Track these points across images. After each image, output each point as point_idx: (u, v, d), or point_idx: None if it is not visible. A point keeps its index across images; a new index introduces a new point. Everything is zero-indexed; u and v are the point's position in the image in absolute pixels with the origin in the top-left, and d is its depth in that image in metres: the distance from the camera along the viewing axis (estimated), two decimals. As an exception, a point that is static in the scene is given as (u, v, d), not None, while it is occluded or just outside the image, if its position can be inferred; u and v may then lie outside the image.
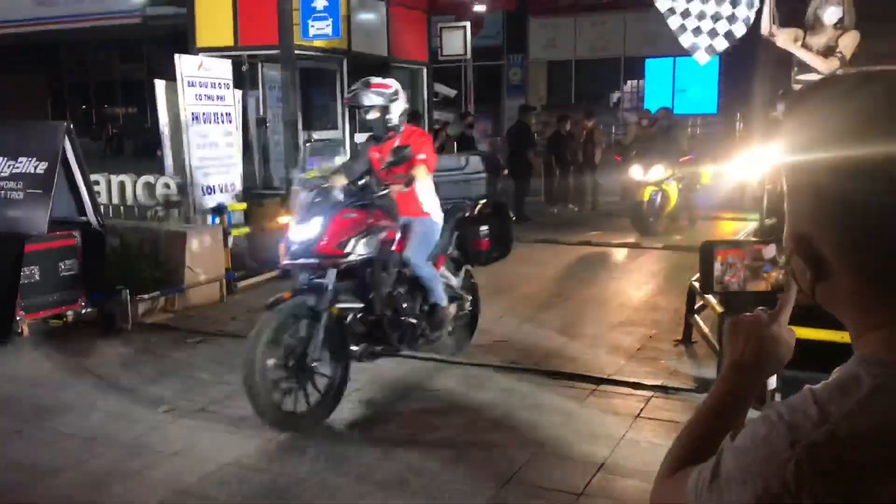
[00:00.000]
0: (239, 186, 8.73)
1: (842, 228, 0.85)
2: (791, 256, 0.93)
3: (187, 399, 5.03)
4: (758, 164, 9.72)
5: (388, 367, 5.59)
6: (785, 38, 5.31)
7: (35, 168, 6.52)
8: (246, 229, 8.63)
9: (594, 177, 13.95)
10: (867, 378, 0.84)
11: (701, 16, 5.49)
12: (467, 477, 3.93)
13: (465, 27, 11.91)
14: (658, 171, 11.55)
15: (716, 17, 5.48)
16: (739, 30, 5.52)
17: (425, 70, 11.49)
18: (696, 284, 6.05)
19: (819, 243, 0.88)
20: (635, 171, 11.75)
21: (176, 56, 8.08)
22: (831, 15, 5.21)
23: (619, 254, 10.20)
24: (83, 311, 6.80)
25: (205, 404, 4.93)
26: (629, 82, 24.46)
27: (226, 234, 7.90)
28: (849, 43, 5.18)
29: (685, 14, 5.49)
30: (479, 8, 12.19)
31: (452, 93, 16.11)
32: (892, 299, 0.86)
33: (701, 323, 5.87)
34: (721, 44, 5.54)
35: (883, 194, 0.81)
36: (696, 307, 6.07)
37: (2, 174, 6.62)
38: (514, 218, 7.23)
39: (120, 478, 3.96)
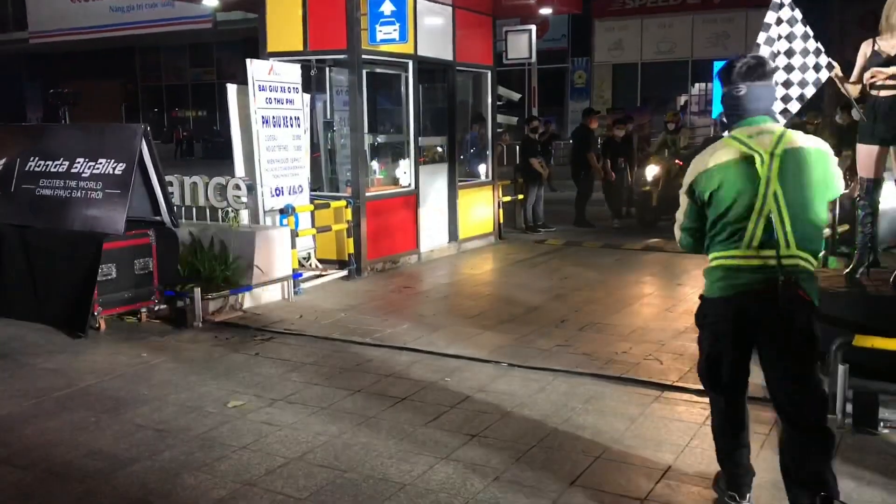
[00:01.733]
0: (307, 188, 8.90)
1: None
2: None
3: (255, 395, 5.16)
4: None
5: (450, 369, 5.65)
6: (857, 69, 5.28)
7: (113, 169, 6.77)
8: (312, 230, 8.80)
9: (630, 184, 13.59)
10: None
11: (787, 83, 5.51)
12: (530, 479, 3.95)
13: (530, 30, 11.89)
14: None
15: (787, 84, 5.51)
16: (810, 91, 5.52)
17: (490, 73, 11.50)
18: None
19: None
20: None
21: (247, 60, 8.28)
22: None
23: (682, 259, 10.06)
24: (156, 307, 7.04)
25: (272, 400, 5.05)
26: (697, 85, 24.08)
27: (293, 234, 8.07)
28: None
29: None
30: (545, 11, 12.14)
31: (516, 96, 16.09)
32: None
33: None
34: (795, 106, 5.56)
35: None
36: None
37: (83, 175, 6.90)
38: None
39: (191, 469, 4.09)
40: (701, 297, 3.53)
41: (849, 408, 4.57)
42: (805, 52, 5.47)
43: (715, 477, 3.80)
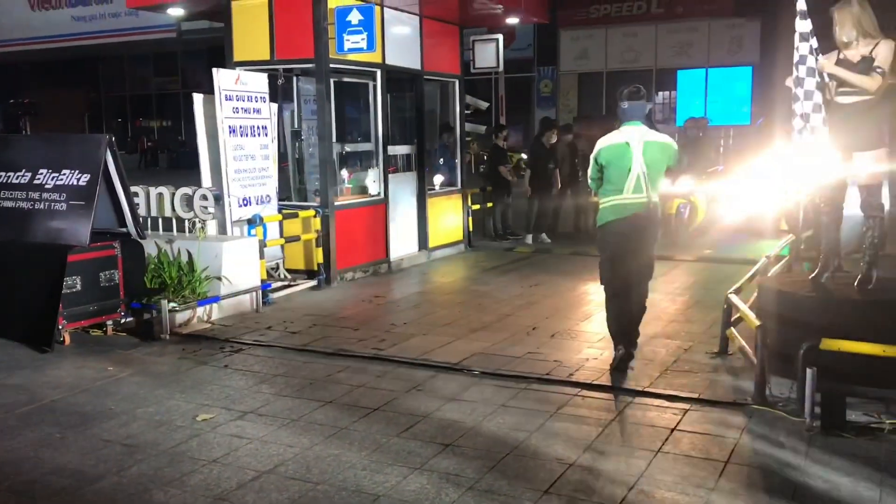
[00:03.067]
0: (275, 198, 8.83)
1: None
2: None
3: (224, 408, 5.09)
4: (791, 179, 9.61)
5: (422, 378, 5.63)
6: (829, 65, 5.33)
7: (78, 180, 6.67)
8: (281, 241, 8.73)
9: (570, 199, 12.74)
10: None
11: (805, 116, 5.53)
12: (504, 488, 3.94)
13: (497, 40, 11.93)
14: (686, 183, 11.47)
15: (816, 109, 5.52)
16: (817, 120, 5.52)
17: (457, 82, 11.53)
18: (734, 297, 6.02)
19: None
20: (663, 184, 11.68)
21: (214, 70, 8.21)
22: (843, 35, 5.23)
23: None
24: (122, 320, 6.94)
25: (242, 413, 4.99)
26: (661, 94, 24.37)
27: (261, 245, 8.00)
28: (885, 54, 5.15)
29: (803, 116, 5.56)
30: (512, 20, 12.19)
31: (484, 105, 16.13)
32: None
33: (737, 335, 5.83)
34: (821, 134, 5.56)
35: None
36: (731, 319, 6.03)
37: (46, 186, 6.78)
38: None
39: (160, 484, 4.02)
40: (599, 227, 5.80)
41: (817, 410, 4.63)
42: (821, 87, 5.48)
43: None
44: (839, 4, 5.31)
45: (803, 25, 5.40)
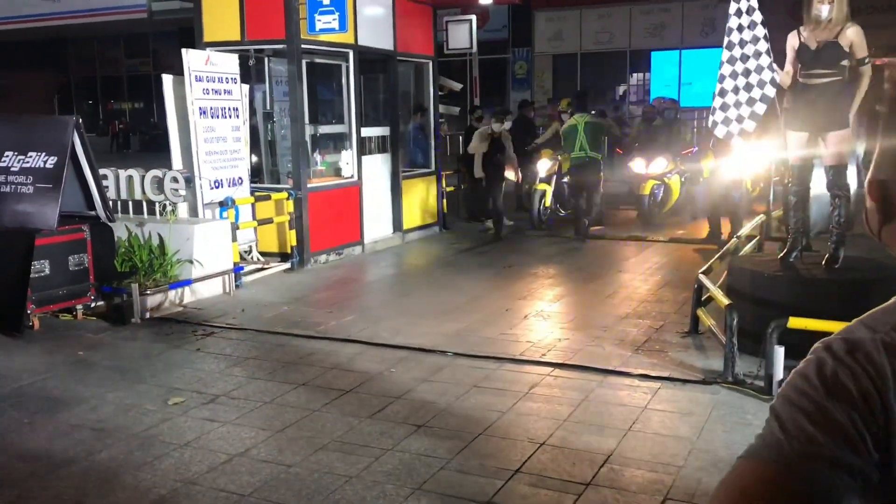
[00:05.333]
0: (247, 180, 8.76)
1: None
2: (867, 201, 0.99)
3: (196, 391, 5.07)
4: (759, 159, 9.69)
5: (395, 360, 5.63)
6: (789, 59, 5.44)
7: (45, 163, 6.56)
8: (253, 223, 8.67)
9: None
10: None
11: (737, 104, 5.69)
12: (476, 468, 3.96)
13: (470, 20, 11.90)
14: (660, 165, 11.54)
15: (750, 102, 5.68)
16: (761, 108, 5.69)
17: (431, 64, 11.47)
18: (703, 277, 6.07)
19: (893, 189, 0.95)
20: (637, 165, 11.73)
21: (183, 51, 8.10)
22: (820, 11, 5.26)
23: (624, 247, 10.22)
24: (92, 304, 6.87)
25: (214, 396, 4.97)
26: (635, 75, 24.42)
27: (233, 227, 7.95)
28: (860, 42, 5.20)
29: (724, 107, 5.72)
30: (485, 1, 12.14)
31: (458, 87, 16.07)
32: None
33: (707, 315, 5.89)
34: (750, 125, 5.73)
35: None
36: (702, 299, 6.09)
37: (12, 169, 6.67)
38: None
39: (130, 469, 4.00)
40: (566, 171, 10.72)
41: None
42: (759, 69, 5.60)
43: None
44: None
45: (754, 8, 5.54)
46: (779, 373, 4.71)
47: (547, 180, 11.49)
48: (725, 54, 5.78)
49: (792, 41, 5.46)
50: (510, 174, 11.50)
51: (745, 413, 4.60)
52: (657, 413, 4.65)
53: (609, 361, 5.54)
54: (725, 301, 5.27)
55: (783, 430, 0.86)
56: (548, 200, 11.49)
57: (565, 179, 11.44)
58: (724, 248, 7.33)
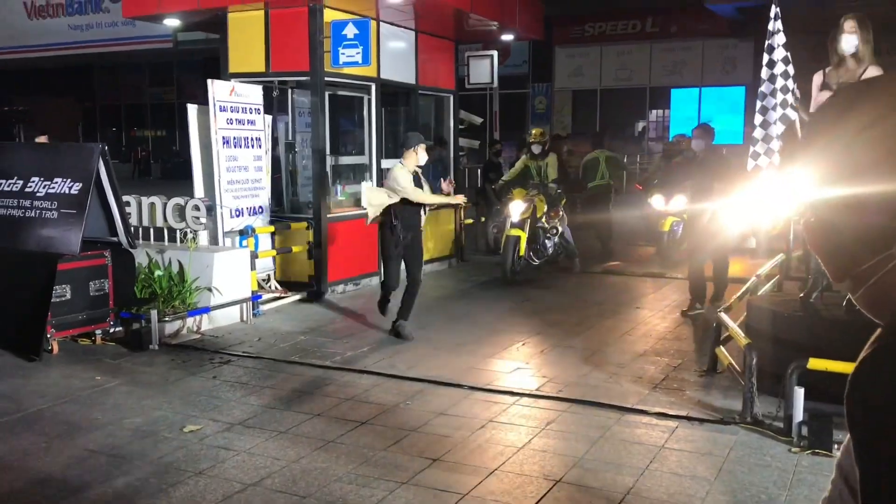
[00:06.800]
0: (268, 210, 8.84)
1: None
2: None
3: (212, 419, 5.07)
4: (781, 200, 9.62)
5: (411, 392, 5.62)
6: (815, 95, 5.46)
7: (69, 189, 6.65)
8: (272, 252, 8.73)
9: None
10: None
11: (766, 138, 5.76)
12: (492, 502, 3.93)
13: (492, 56, 11.99)
14: (680, 202, 11.50)
15: (776, 137, 5.75)
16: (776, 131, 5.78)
17: (452, 98, 11.57)
18: (723, 315, 6.03)
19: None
20: (656, 201, 11.71)
21: (209, 81, 8.22)
22: (848, 44, 5.27)
23: (642, 283, 10.17)
24: (111, 330, 6.91)
25: (229, 425, 4.97)
26: (654, 112, 24.49)
27: (252, 256, 8.00)
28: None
29: (752, 141, 5.83)
30: (507, 37, 12.26)
31: (478, 120, 16.18)
32: None
33: (726, 353, 5.84)
34: (777, 160, 5.79)
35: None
36: (721, 338, 6.04)
37: (37, 194, 6.76)
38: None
39: (145, 496, 4.00)
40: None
41: (804, 430, 4.64)
42: (785, 104, 5.65)
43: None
44: (855, 14, 5.34)
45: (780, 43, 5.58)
46: (798, 414, 4.65)
47: (520, 225, 9.79)
48: (758, 90, 5.84)
49: (816, 80, 5.49)
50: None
51: (765, 454, 4.54)
52: (675, 452, 4.60)
53: (626, 399, 5.50)
54: (745, 340, 5.23)
55: (852, 491, 0.85)
56: (522, 248, 9.86)
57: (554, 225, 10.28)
58: (696, 312, 7.49)
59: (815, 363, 4.69)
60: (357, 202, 9.93)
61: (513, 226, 9.80)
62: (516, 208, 9.83)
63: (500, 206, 10.71)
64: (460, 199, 8.44)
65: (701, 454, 4.57)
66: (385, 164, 10.21)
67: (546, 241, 10.30)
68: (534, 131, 10.88)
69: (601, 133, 12.78)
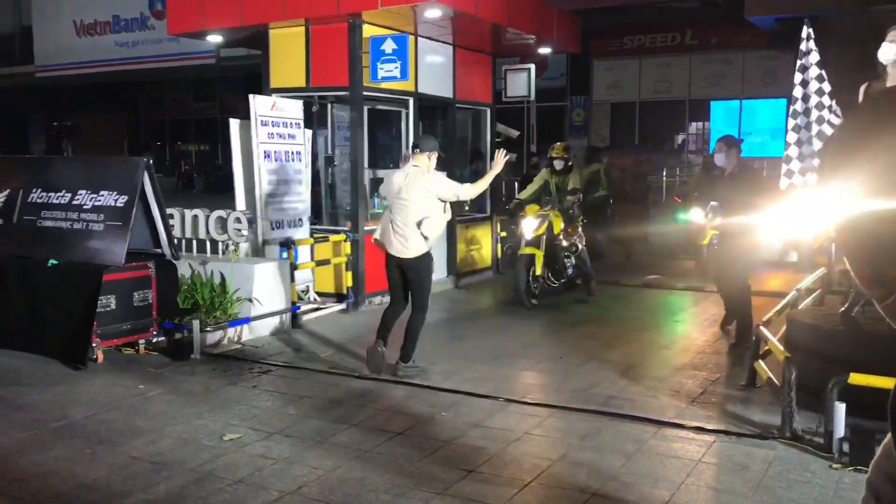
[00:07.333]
0: (307, 222, 8.96)
1: None
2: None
3: (251, 428, 5.15)
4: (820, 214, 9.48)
5: (447, 403, 5.64)
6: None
7: (115, 201, 6.82)
8: (311, 264, 8.83)
9: None
10: None
11: (801, 157, 5.77)
12: (525, 515, 3.94)
13: (529, 69, 12.03)
14: (698, 215, 11.33)
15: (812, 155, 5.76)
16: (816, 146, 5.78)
17: (489, 111, 11.63)
18: (763, 329, 5.97)
19: None
20: (696, 214, 11.58)
21: (250, 96, 8.38)
22: (887, 52, 5.19)
23: (682, 297, 10.09)
24: (154, 339, 7.05)
25: (268, 433, 5.05)
26: (694, 124, 24.29)
27: (292, 268, 8.11)
28: None
29: (787, 159, 5.84)
30: (544, 50, 12.29)
31: (515, 133, 16.21)
32: None
33: (765, 368, 5.78)
34: (813, 178, 5.79)
35: None
36: (760, 352, 5.98)
37: (84, 206, 6.95)
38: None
39: (186, 503, 4.07)
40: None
41: (845, 446, 4.57)
42: (821, 120, 5.62)
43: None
44: None
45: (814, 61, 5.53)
46: (839, 430, 4.59)
47: (535, 243, 9.13)
48: (790, 108, 5.81)
49: (862, 91, 5.43)
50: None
51: (804, 470, 4.48)
52: (712, 467, 4.56)
53: (664, 413, 5.47)
54: (784, 354, 5.17)
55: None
56: (539, 268, 9.16)
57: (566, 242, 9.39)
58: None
59: (856, 378, 4.63)
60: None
61: (527, 244, 9.14)
62: (529, 225, 9.18)
63: (514, 224, 9.96)
64: (501, 158, 6.73)
65: (738, 469, 4.53)
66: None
67: (565, 259, 9.50)
68: (557, 145, 10.03)
69: (599, 148, 14.33)
